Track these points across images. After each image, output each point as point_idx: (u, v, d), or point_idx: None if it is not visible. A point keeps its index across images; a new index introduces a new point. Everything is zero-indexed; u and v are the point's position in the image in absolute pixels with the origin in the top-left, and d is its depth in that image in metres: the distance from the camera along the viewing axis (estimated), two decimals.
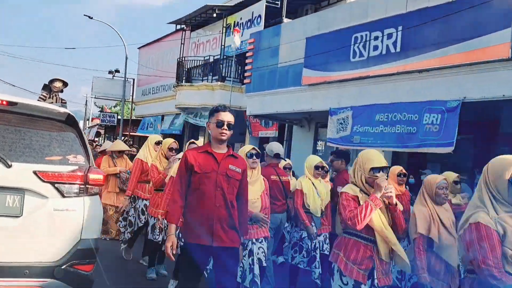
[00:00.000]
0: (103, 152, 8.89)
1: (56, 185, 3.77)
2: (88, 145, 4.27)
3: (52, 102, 18.29)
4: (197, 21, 20.01)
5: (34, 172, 3.69)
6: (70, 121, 4.12)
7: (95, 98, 27.53)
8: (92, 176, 3.94)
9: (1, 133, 3.76)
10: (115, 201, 8.36)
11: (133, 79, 26.99)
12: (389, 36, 9.88)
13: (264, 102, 13.76)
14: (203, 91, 17.92)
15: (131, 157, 10.50)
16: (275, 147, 6.56)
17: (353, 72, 10.71)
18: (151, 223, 6.29)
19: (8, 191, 3.61)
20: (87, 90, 76.67)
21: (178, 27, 21.61)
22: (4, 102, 3.76)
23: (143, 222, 6.81)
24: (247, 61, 14.71)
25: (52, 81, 16.50)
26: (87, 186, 3.92)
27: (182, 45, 20.73)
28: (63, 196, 3.80)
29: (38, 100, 17.68)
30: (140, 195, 6.94)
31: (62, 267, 3.69)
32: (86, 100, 45.22)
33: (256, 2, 16.37)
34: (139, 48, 27.06)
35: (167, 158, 6.25)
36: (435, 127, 8.78)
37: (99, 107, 63.50)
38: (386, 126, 9.92)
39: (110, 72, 26.47)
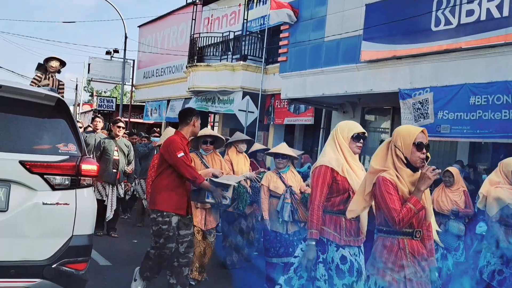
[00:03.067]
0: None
1: (45, 176, 3.49)
2: (80, 133, 3.85)
3: (48, 84, 15.67)
4: None
5: (21, 163, 3.42)
6: (60, 106, 3.79)
7: (92, 81, 25.11)
8: (85, 166, 3.63)
9: None
10: (203, 222, 5.49)
11: (133, 60, 24.63)
12: None
13: (306, 83, 11.67)
14: (221, 72, 15.74)
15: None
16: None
17: (435, 44, 8.68)
18: None
19: None
20: (72, 76, 73.64)
21: (189, 0, 19.29)
22: None
23: None
24: (282, 35, 12.60)
25: (48, 60, 13.95)
26: (79, 177, 3.61)
27: (194, 20, 18.45)
28: (53, 189, 3.52)
29: (32, 82, 14.99)
30: (333, 237, 3.62)
31: (52, 266, 3.43)
32: (77, 84, 42.55)
33: None
34: (139, 26, 24.69)
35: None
36: None
37: (89, 92, 60.92)
38: (487, 111, 7.91)
39: (107, 52, 24.05)
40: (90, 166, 3.67)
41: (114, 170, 7.91)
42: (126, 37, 23.23)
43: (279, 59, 12.65)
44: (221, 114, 18.43)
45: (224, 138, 5.66)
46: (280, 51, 12.59)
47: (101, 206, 7.88)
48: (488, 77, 7.94)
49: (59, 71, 17.12)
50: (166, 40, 21.74)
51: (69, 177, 3.57)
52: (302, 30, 11.86)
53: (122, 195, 8.35)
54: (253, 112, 13.07)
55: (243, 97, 15.10)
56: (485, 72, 7.99)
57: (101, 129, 9.13)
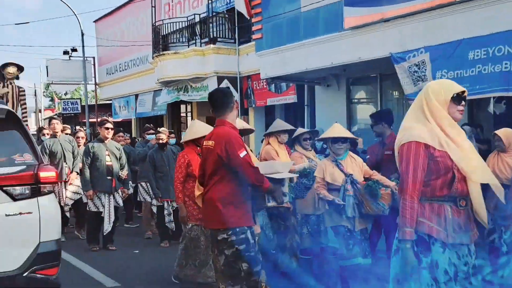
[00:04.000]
0: (191, 143, 5.23)
1: (4, 188, 3.57)
2: (34, 141, 3.95)
3: (8, 92, 14.40)
4: None
5: None
6: (10, 118, 3.91)
7: (52, 84, 23.78)
8: (43, 174, 3.71)
9: None
10: None
11: (93, 58, 23.42)
12: None
13: (285, 59, 10.97)
14: (191, 58, 14.87)
15: None
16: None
17: (426, 0, 8.09)
18: None
19: None
20: (28, 82, 70.87)
21: None
22: None
23: None
24: (254, 11, 11.82)
25: (4, 66, 12.89)
26: (39, 185, 3.70)
27: (154, 8, 17.44)
28: (15, 200, 3.61)
29: None
30: (437, 233, 2.76)
31: (24, 275, 3.53)
32: (35, 90, 40.80)
33: None
34: (95, 21, 23.44)
35: None
36: None
37: (49, 96, 58.76)
38: (486, 64, 7.42)
39: (65, 52, 22.74)
40: (48, 173, 3.75)
41: (109, 177, 7.05)
42: (82, 34, 21.99)
43: (254, 37, 11.91)
44: (194, 103, 17.60)
45: (253, 129, 4.72)
46: (254, 28, 11.84)
47: (98, 218, 7.11)
48: (487, 29, 7.40)
49: (17, 77, 15.76)
50: (126, 32, 20.63)
51: (29, 186, 3.64)
52: (276, 3, 11.12)
53: (121, 204, 7.52)
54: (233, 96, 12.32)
55: (218, 82, 14.35)
56: (484, 24, 7.44)
57: (62, 132, 8.33)
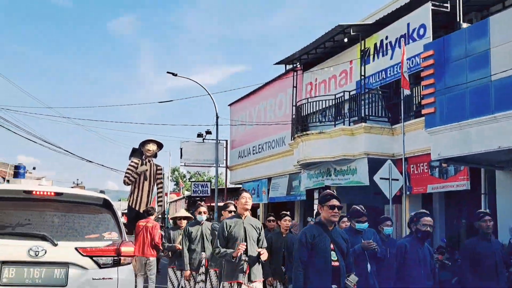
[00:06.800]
0: None
1: (94, 258, 4.56)
2: (121, 222, 5.05)
3: (146, 170, 13.80)
4: (313, 55, 16.03)
5: (76, 249, 4.54)
6: (106, 204, 5.08)
7: (185, 166, 23.83)
8: (124, 249, 4.71)
9: (50, 218, 4.80)
10: None
11: (226, 141, 23.20)
12: None
13: (469, 136, 9.12)
14: (338, 138, 13.54)
15: None
16: None
17: None
18: None
19: (55, 266, 4.48)
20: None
21: (288, 67, 17.67)
22: (52, 193, 4.89)
23: None
24: (424, 82, 10.28)
25: (144, 143, 12.23)
26: (120, 257, 4.66)
27: (295, 88, 16.70)
28: (100, 267, 4.57)
29: (128, 169, 13.27)
30: None
31: None
32: (163, 174, 42.09)
33: (410, 12, 12.14)
34: (230, 105, 23.47)
35: None
36: None
37: (174, 181, 61.00)
38: None
39: (199, 135, 22.82)
40: (128, 248, 4.78)
41: None
42: (217, 117, 21.93)
43: (424, 111, 10.26)
44: (334, 189, 16.03)
45: None
46: (424, 101, 10.22)
47: None
48: None
49: (155, 155, 15.02)
50: (262, 114, 20.12)
51: (112, 258, 4.67)
52: (454, 73, 9.50)
53: None
54: (397, 180, 10.59)
55: (369, 165, 12.76)
56: None
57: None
